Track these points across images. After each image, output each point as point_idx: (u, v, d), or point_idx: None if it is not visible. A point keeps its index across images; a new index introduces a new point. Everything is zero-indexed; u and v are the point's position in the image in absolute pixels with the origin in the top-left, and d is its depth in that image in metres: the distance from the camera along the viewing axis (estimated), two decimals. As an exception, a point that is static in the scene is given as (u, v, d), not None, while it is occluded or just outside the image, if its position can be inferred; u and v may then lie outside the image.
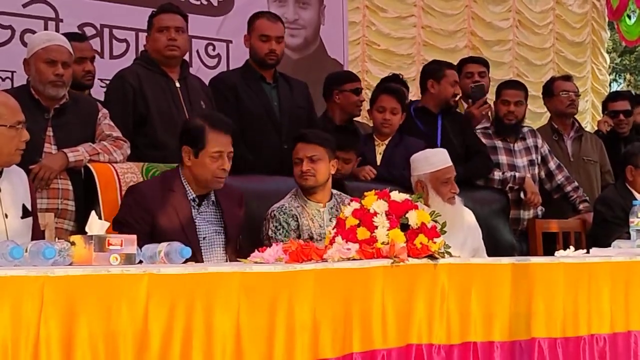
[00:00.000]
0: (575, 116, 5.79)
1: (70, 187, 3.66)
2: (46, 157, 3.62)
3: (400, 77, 5.64)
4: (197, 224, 3.43)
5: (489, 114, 5.42)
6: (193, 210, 3.44)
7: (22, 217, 3.07)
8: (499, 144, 5.14)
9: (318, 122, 4.76)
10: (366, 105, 5.98)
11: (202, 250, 3.40)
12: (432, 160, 4.07)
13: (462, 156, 4.68)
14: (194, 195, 3.45)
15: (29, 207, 3.12)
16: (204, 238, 3.44)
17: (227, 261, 3.44)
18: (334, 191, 3.88)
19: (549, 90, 5.68)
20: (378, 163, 4.63)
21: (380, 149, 4.69)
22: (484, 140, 5.08)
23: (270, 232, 3.69)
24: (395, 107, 4.65)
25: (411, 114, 4.93)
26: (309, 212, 3.76)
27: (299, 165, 3.77)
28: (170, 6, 4.24)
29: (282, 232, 3.66)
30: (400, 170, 4.47)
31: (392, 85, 5.08)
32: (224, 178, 3.44)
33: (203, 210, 3.48)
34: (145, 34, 4.29)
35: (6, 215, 3.01)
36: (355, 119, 5.30)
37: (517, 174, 5.01)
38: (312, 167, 3.74)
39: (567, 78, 5.87)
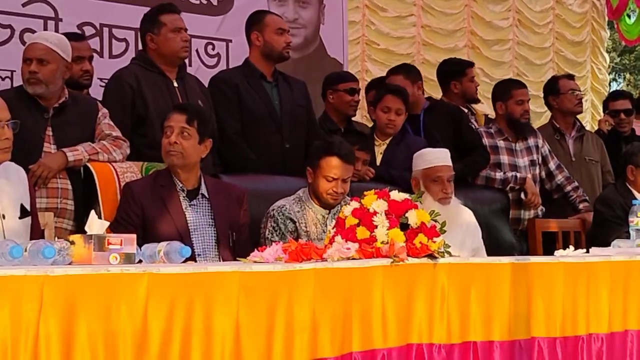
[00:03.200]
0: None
1: (70, 187, 3.66)
2: (45, 156, 3.62)
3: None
4: (188, 216, 3.47)
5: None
6: (184, 202, 3.49)
7: (20, 218, 3.06)
8: (500, 143, 5.13)
9: (317, 121, 4.78)
10: (365, 105, 5.99)
11: (194, 242, 3.43)
12: (426, 157, 4.08)
13: (457, 149, 4.68)
14: (182, 186, 3.50)
15: (28, 207, 3.11)
16: (194, 230, 3.47)
17: (219, 254, 3.48)
18: None
19: (555, 89, 5.66)
20: (378, 163, 4.64)
21: (380, 149, 4.70)
22: (486, 140, 5.08)
23: (267, 233, 3.68)
24: (400, 108, 4.66)
25: None
26: (313, 217, 3.74)
27: (329, 184, 3.68)
28: (176, 7, 4.26)
29: (279, 233, 3.65)
30: (400, 171, 4.47)
31: (397, 85, 5.08)
32: (176, 152, 3.47)
33: (195, 204, 3.52)
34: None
35: (3, 216, 3.00)
36: (352, 119, 5.32)
37: (518, 174, 5.01)
38: (344, 188, 3.70)
39: (571, 77, 5.87)
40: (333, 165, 3.69)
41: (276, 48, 4.46)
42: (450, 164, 4.08)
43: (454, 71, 5.58)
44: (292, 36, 4.75)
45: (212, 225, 3.51)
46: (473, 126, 5.18)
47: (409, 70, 5.15)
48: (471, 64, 5.80)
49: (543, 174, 5.26)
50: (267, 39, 4.46)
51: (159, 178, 3.52)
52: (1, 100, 3.01)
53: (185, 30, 4.19)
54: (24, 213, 3.08)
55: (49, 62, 3.70)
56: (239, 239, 3.56)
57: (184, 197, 3.50)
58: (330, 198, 3.72)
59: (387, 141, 4.69)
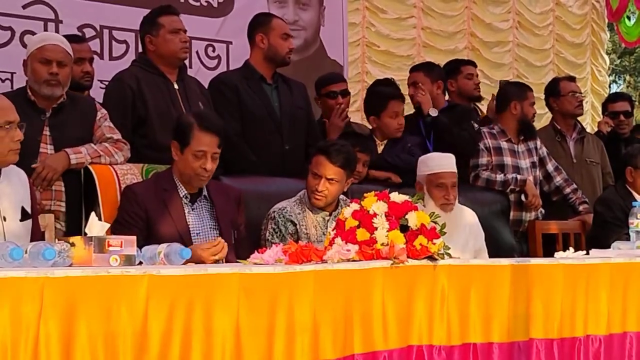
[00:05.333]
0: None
1: (63, 189, 3.65)
2: (49, 157, 3.61)
3: (392, 80, 5.67)
4: (190, 220, 3.46)
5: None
6: (186, 207, 3.47)
7: (20, 220, 3.06)
8: (504, 145, 5.12)
9: (316, 122, 4.79)
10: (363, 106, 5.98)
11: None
12: (430, 163, 4.08)
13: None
14: (186, 193, 3.49)
15: (29, 210, 3.11)
16: (197, 234, 3.46)
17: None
18: (341, 197, 3.86)
19: (555, 91, 5.66)
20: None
21: (380, 149, 4.74)
22: (489, 141, 5.08)
23: (267, 235, 3.69)
24: (403, 109, 4.76)
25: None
26: (313, 219, 3.75)
27: (315, 180, 3.70)
28: (174, 8, 4.27)
29: (279, 235, 3.66)
30: (396, 158, 4.55)
31: (393, 89, 5.10)
32: (206, 177, 3.45)
33: (197, 207, 3.51)
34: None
35: (4, 218, 3.00)
36: (351, 120, 5.33)
37: (518, 176, 5.01)
38: (327, 188, 3.69)
39: (572, 79, 5.86)
40: (318, 162, 3.71)
41: (280, 53, 4.47)
42: (455, 170, 4.07)
43: (448, 70, 5.60)
44: (292, 38, 4.76)
45: (214, 227, 3.51)
46: (475, 125, 5.15)
47: (430, 69, 5.16)
48: (467, 62, 5.80)
49: (540, 175, 5.25)
50: (273, 42, 4.47)
51: (161, 181, 3.50)
52: (8, 102, 3.02)
53: (185, 31, 4.20)
54: (24, 216, 3.08)
55: (66, 64, 3.73)
56: (238, 239, 3.57)
57: (186, 202, 3.48)
58: (312, 196, 3.72)
59: (385, 141, 4.72)
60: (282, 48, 4.48)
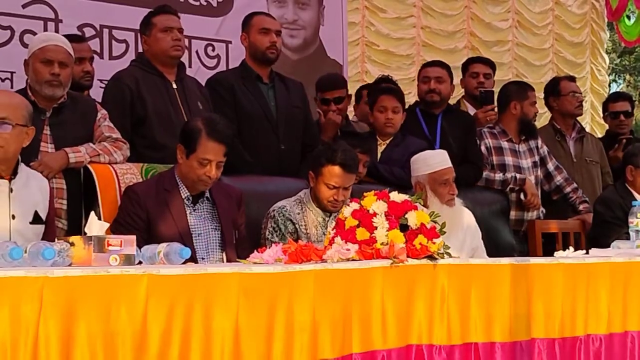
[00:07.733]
0: (575, 117, 5.80)
1: (64, 187, 3.66)
2: (47, 155, 3.61)
3: (390, 78, 5.66)
4: (191, 221, 3.45)
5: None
6: (187, 208, 3.47)
7: (31, 223, 3.06)
8: (504, 144, 5.12)
9: (314, 122, 4.77)
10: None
11: (197, 247, 3.42)
12: (430, 161, 4.09)
13: (460, 157, 4.68)
14: (188, 194, 3.48)
15: (43, 215, 3.11)
16: (198, 235, 3.46)
17: (224, 256, 3.48)
18: None
19: (556, 91, 5.66)
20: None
21: (382, 149, 4.70)
22: (490, 141, 5.07)
23: (267, 234, 3.69)
24: (397, 106, 4.66)
25: (416, 114, 4.96)
26: (313, 219, 3.75)
27: (331, 191, 3.70)
28: (170, 7, 4.26)
29: (279, 234, 3.66)
30: (390, 166, 4.51)
31: (391, 85, 5.09)
32: (210, 183, 3.45)
33: (198, 208, 3.51)
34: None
35: (13, 216, 3.01)
36: (351, 118, 5.32)
37: (517, 175, 5.00)
38: (345, 195, 3.71)
39: (572, 79, 5.86)
40: (335, 173, 3.70)
41: (259, 48, 4.44)
42: (451, 164, 4.10)
43: (462, 67, 5.61)
44: (291, 37, 4.76)
45: (216, 228, 3.50)
46: (477, 140, 5.13)
47: (449, 68, 5.13)
48: (478, 60, 5.78)
49: (541, 174, 5.26)
50: (252, 39, 4.47)
51: (163, 181, 3.49)
52: (4, 99, 3.03)
53: (180, 30, 4.17)
54: (36, 220, 3.08)
55: (68, 65, 3.73)
56: (238, 238, 3.57)
57: (188, 204, 3.48)
58: (330, 205, 3.73)
59: (388, 140, 4.69)
60: (261, 43, 4.44)
